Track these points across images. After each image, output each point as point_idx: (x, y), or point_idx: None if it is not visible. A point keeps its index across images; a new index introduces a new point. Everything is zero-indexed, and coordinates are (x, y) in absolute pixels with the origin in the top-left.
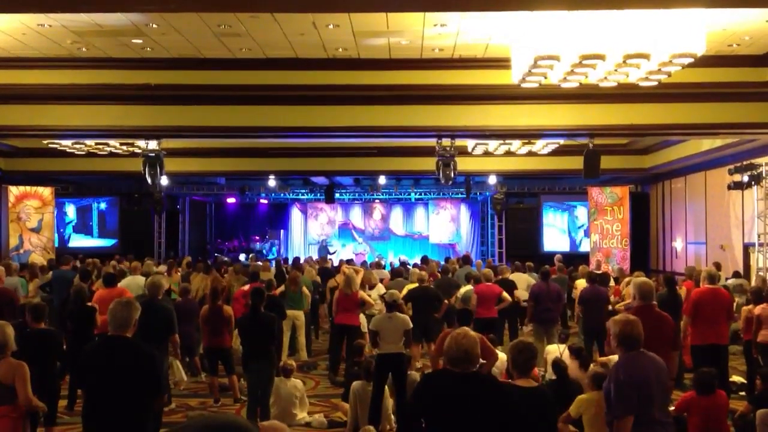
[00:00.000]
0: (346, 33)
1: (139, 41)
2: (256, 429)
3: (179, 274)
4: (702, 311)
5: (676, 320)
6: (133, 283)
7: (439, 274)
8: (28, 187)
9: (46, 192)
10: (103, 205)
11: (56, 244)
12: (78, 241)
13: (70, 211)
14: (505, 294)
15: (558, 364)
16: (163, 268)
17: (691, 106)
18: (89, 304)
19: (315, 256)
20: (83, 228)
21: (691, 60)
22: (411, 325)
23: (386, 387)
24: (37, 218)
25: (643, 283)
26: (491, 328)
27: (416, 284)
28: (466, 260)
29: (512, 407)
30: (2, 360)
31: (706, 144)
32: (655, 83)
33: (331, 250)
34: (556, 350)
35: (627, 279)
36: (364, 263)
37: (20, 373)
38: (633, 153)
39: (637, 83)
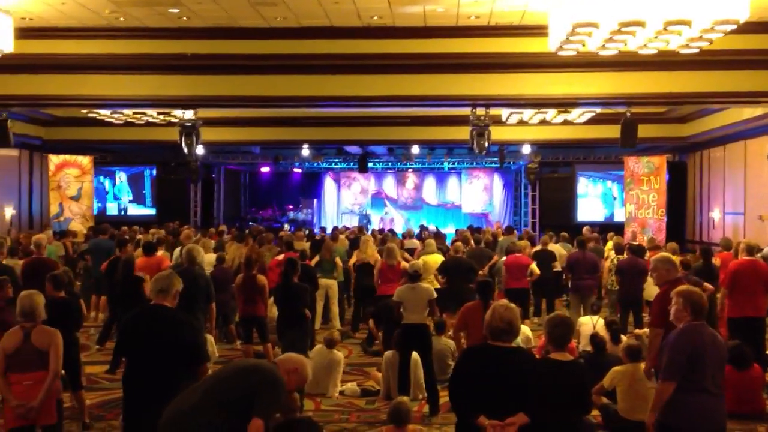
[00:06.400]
0: (381, 0)
1: (176, 11)
2: (277, 368)
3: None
4: (740, 283)
5: (713, 292)
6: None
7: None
8: (67, 156)
9: (86, 161)
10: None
11: (95, 212)
12: (135, 210)
13: (122, 178)
14: (533, 266)
15: (596, 337)
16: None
17: (732, 74)
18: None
19: (349, 225)
20: (137, 197)
21: (734, 27)
22: (435, 295)
23: (417, 356)
24: (76, 186)
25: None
26: (521, 298)
27: (435, 254)
28: (508, 231)
29: (546, 381)
30: (36, 327)
31: (747, 112)
32: (696, 50)
33: (373, 219)
34: (588, 322)
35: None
36: (391, 230)
37: (55, 340)
38: (671, 121)
39: (677, 50)
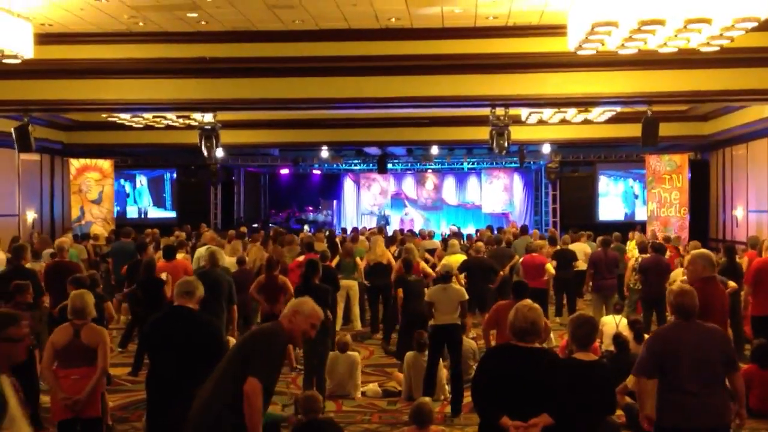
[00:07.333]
0: (399, 2)
1: (194, 15)
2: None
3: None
4: (763, 281)
5: (737, 290)
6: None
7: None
8: (88, 160)
9: (106, 164)
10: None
11: (115, 215)
12: (155, 213)
13: (142, 181)
14: (548, 266)
15: (618, 338)
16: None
17: (754, 71)
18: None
19: (369, 226)
20: (157, 200)
21: (755, 24)
22: (466, 297)
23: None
24: (97, 190)
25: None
26: (539, 298)
27: (460, 255)
28: (523, 231)
29: (570, 381)
30: (86, 325)
31: None
32: (717, 48)
33: (393, 220)
34: (611, 321)
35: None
36: (411, 231)
37: (103, 338)
38: (692, 119)
39: (698, 48)
